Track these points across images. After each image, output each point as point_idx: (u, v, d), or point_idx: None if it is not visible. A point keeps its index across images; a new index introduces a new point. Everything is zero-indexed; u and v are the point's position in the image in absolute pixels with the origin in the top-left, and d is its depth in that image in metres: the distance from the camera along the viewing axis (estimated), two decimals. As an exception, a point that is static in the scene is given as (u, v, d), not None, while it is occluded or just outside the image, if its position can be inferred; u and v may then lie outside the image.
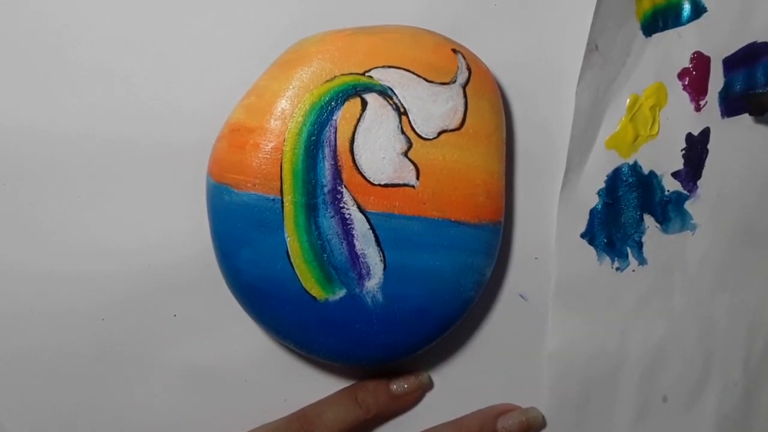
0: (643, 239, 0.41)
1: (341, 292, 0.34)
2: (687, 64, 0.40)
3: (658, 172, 0.40)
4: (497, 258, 0.38)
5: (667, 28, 0.40)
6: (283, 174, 0.34)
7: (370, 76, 0.34)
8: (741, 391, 0.43)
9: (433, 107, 0.35)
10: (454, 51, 0.36)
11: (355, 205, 0.34)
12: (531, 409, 0.40)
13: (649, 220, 0.41)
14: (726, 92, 0.41)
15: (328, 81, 0.34)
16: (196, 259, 0.37)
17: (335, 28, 0.35)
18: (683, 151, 0.41)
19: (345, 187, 0.34)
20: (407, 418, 0.40)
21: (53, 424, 0.38)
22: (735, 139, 0.41)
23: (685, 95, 0.40)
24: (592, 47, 0.38)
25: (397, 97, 0.34)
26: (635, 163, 0.40)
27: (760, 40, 0.41)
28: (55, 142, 0.36)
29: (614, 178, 0.40)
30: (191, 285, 0.38)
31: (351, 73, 0.34)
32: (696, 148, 0.41)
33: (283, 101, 0.34)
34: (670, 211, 0.41)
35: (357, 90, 0.34)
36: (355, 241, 0.34)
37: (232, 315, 0.38)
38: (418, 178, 0.34)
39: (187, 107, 0.37)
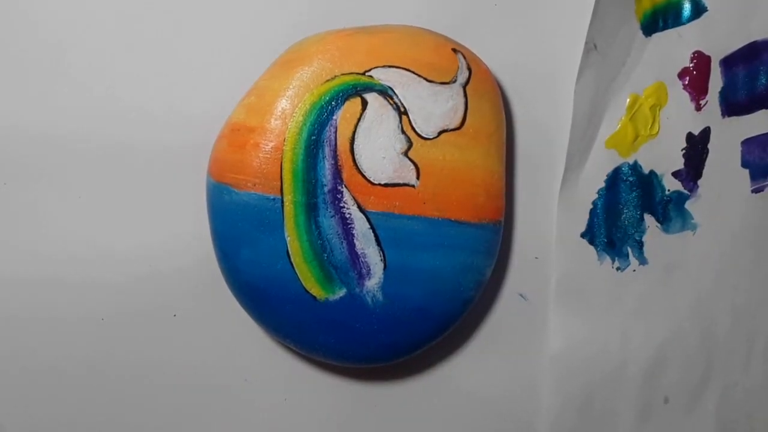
0: (644, 239, 0.41)
1: (341, 292, 0.34)
2: (687, 63, 0.40)
3: (659, 172, 0.40)
4: (497, 258, 0.38)
5: (668, 28, 0.40)
6: (283, 173, 0.34)
7: (371, 76, 0.34)
8: (742, 391, 0.43)
9: (433, 107, 0.35)
10: (455, 51, 0.36)
11: (355, 205, 0.34)
12: None
13: (649, 220, 0.41)
14: (726, 92, 0.41)
15: (328, 81, 0.34)
16: (195, 258, 0.37)
17: (335, 27, 0.35)
18: (684, 151, 0.41)
19: (345, 186, 0.34)
20: (405, 416, 0.40)
21: (53, 425, 0.38)
22: (736, 138, 0.41)
23: (686, 95, 0.40)
24: (590, 46, 0.38)
25: (397, 96, 0.34)
26: (635, 162, 0.40)
27: (761, 39, 0.41)
28: (54, 142, 0.36)
29: (614, 178, 0.40)
30: (191, 285, 0.38)
31: (351, 73, 0.34)
32: (696, 148, 0.41)
33: (284, 101, 0.34)
34: (670, 211, 0.41)
35: (357, 90, 0.34)
36: (355, 240, 0.34)
37: (232, 315, 0.38)
38: (418, 177, 0.34)
39: (187, 107, 0.37)
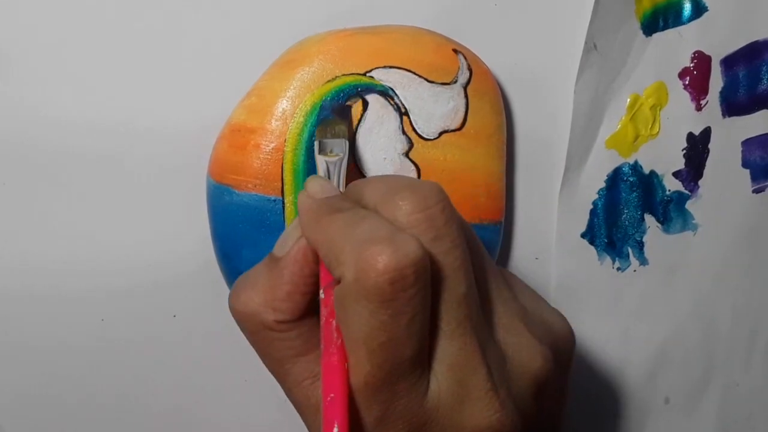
0: (644, 239, 0.41)
1: (342, 293, 0.34)
2: (688, 63, 0.40)
3: (659, 172, 0.40)
4: (497, 258, 0.37)
5: (668, 28, 0.40)
6: (284, 174, 0.33)
7: (372, 77, 0.34)
8: (743, 391, 0.43)
9: (434, 107, 0.35)
10: (455, 51, 0.35)
11: (356, 206, 0.34)
12: None
13: (650, 220, 0.41)
14: (727, 92, 0.41)
15: (329, 81, 0.34)
16: (196, 259, 0.37)
17: (336, 28, 0.35)
18: (684, 151, 0.41)
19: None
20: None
21: (52, 424, 0.38)
22: (736, 138, 0.41)
23: (686, 95, 0.40)
24: (590, 46, 0.38)
25: (398, 97, 0.34)
26: (636, 162, 0.40)
27: (762, 39, 0.41)
28: (54, 141, 0.36)
29: (614, 178, 0.40)
30: (191, 286, 0.38)
31: (352, 74, 0.34)
32: (697, 148, 0.41)
33: (284, 101, 0.34)
34: (671, 211, 0.41)
35: (358, 90, 0.34)
36: (356, 241, 0.34)
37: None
38: (419, 178, 0.34)
39: (188, 107, 0.36)
